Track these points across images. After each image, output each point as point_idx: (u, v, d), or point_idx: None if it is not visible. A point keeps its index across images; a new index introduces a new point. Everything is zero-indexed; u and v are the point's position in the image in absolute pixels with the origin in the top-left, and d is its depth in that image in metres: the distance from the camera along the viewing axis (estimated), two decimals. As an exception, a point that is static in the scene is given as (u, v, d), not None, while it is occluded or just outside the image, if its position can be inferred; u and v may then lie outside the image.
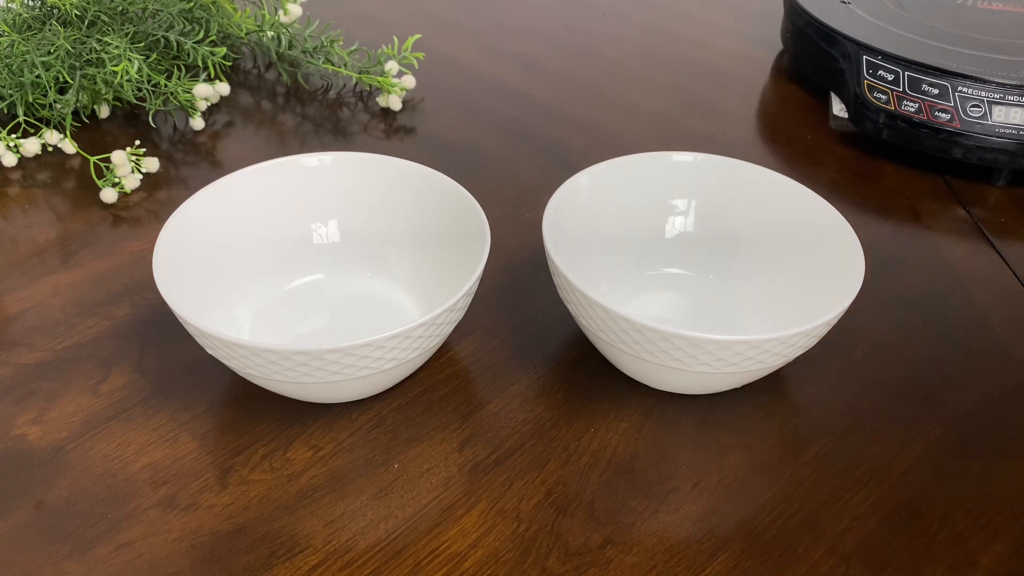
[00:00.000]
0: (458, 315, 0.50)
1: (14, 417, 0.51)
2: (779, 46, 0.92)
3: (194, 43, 0.72)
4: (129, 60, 0.67)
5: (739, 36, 0.95)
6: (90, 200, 0.66)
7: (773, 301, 0.56)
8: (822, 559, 0.45)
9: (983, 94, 0.67)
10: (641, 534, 0.46)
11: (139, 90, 0.71)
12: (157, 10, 0.74)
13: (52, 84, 0.68)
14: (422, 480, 0.48)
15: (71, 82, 0.69)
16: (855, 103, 0.73)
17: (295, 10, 0.80)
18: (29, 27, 0.72)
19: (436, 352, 0.53)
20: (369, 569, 0.44)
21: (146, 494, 0.47)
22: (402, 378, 0.52)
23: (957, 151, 0.69)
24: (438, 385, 0.53)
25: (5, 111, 0.71)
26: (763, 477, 0.49)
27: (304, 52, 0.78)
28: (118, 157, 0.66)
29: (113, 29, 0.71)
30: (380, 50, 0.77)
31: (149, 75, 0.70)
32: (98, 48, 0.69)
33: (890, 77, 0.71)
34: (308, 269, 0.58)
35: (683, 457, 0.50)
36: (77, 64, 0.69)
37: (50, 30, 0.70)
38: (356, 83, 0.78)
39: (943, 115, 0.69)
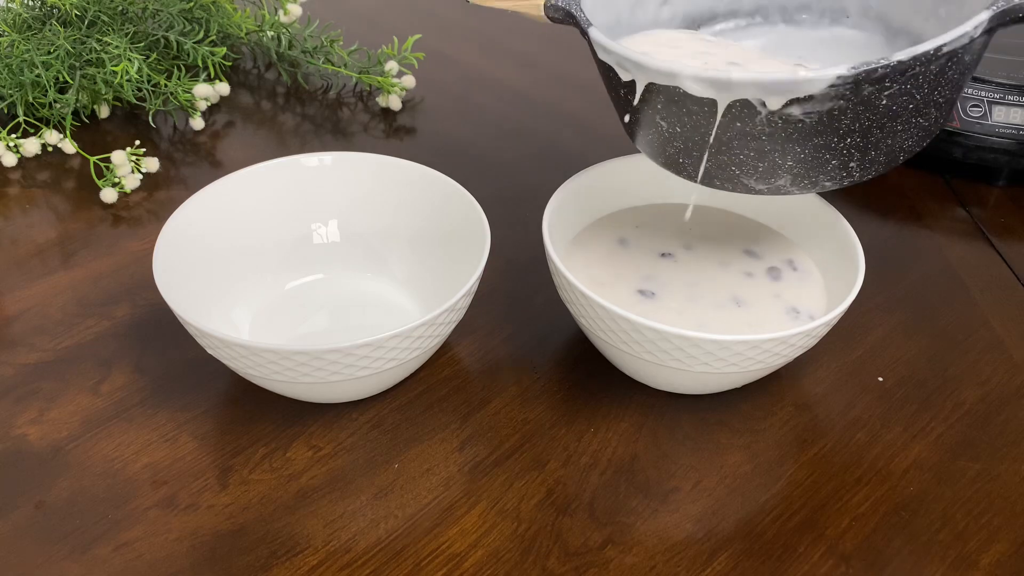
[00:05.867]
0: (458, 315, 0.50)
1: (14, 417, 0.51)
2: (779, 46, 0.92)
3: (194, 43, 0.72)
4: (129, 60, 0.67)
5: (739, 36, 0.95)
6: (90, 200, 0.66)
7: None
8: (822, 559, 0.45)
9: (983, 94, 0.67)
10: (641, 534, 0.46)
11: (139, 90, 0.71)
12: (157, 10, 0.74)
13: (52, 84, 0.68)
14: (422, 480, 0.48)
15: (71, 82, 0.69)
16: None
17: (295, 10, 0.80)
18: (29, 27, 0.72)
19: (436, 352, 0.53)
20: (369, 569, 0.44)
21: (146, 494, 0.47)
22: (402, 378, 0.52)
23: (957, 151, 0.69)
24: (438, 385, 0.53)
25: (5, 111, 0.71)
26: (763, 477, 0.49)
27: (304, 52, 0.78)
28: (118, 157, 0.66)
29: (113, 29, 0.71)
30: (380, 50, 0.77)
31: (149, 75, 0.70)
32: (98, 48, 0.69)
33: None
34: (308, 269, 0.58)
35: (683, 457, 0.50)
36: (77, 64, 0.69)
37: (50, 30, 0.70)
38: (356, 83, 0.78)
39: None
